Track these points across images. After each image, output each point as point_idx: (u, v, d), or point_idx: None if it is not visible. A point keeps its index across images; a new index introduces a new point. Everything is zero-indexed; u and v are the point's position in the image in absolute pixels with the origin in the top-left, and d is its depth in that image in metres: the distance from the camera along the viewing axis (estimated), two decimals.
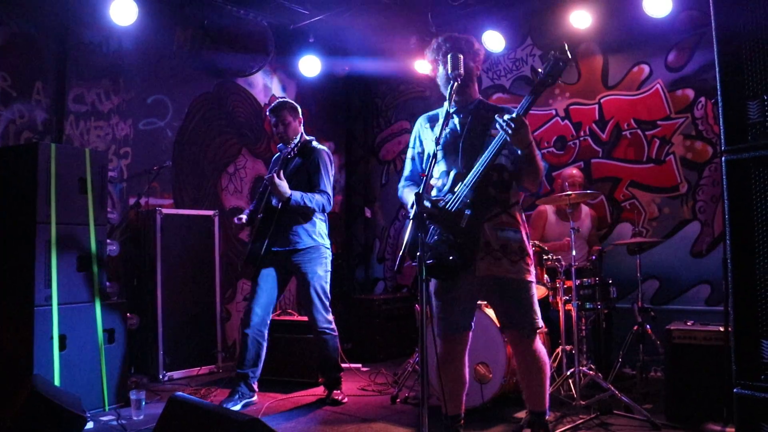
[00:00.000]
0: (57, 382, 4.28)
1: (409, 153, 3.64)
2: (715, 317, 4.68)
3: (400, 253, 2.88)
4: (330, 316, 4.85)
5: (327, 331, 4.81)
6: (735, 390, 2.24)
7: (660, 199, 5.89)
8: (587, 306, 4.78)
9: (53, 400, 3.48)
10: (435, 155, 2.88)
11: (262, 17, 6.69)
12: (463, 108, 3.38)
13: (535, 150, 3.13)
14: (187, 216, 6.09)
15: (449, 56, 3.12)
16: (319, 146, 4.88)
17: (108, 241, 4.95)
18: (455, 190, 3.19)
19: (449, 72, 3.09)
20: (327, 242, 4.91)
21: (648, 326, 4.93)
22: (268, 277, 4.77)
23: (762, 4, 2.23)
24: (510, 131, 2.97)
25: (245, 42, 6.69)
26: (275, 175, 4.50)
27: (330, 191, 4.79)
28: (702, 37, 5.64)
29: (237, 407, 4.57)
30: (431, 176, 3.02)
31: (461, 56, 3.13)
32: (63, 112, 5.55)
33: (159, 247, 5.73)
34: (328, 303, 4.85)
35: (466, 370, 3.40)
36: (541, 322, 3.27)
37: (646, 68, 6.02)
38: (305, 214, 4.73)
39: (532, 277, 3.26)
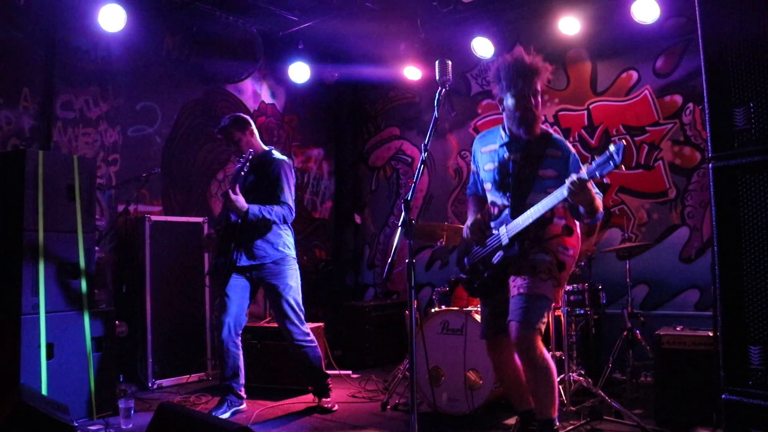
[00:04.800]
0: (44, 391, 4.24)
1: (472, 167, 3.75)
2: (704, 322, 4.70)
3: (389, 260, 2.89)
4: (305, 328, 4.76)
5: (304, 343, 4.73)
6: (723, 396, 2.25)
7: (649, 205, 5.91)
8: (577, 312, 4.81)
9: (40, 410, 3.45)
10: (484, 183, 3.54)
11: (251, 24, 6.69)
12: (515, 140, 3.41)
13: (596, 203, 3.13)
14: (176, 223, 6.05)
15: (436, 62, 3.13)
16: (279, 156, 4.79)
17: (96, 248, 4.92)
18: (499, 230, 3.38)
19: (436, 78, 3.11)
20: (293, 253, 4.82)
21: (637, 331, 4.94)
22: (236, 287, 4.66)
23: (748, 11, 2.24)
24: (574, 192, 2.98)
25: (234, 48, 6.69)
26: (230, 191, 4.40)
27: (291, 202, 4.67)
28: (690, 43, 5.68)
29: (226, 415, 4.54)
30: (417, 183, 3.03)
31: (449, 62, 3.14)
32: (51, 118, 5.52)
33: (148, 254, 5.70)
34: (302, 315, 4.77)
35: (520, 371, 3.40)
36: (535, 325, 3.20)
37: (634, 74, 6.06)
38: (267, 226, 4.64)
39: (549, 294, 3.29)
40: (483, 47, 6.51)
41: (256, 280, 4.72)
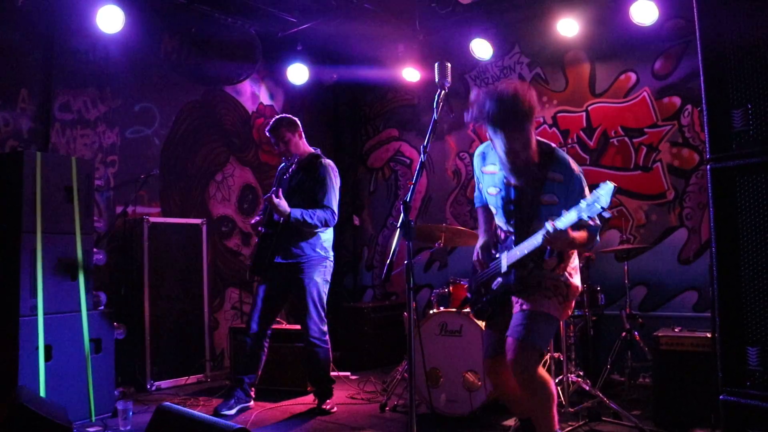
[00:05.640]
0: (42, 393, 4.24)
1: (475, 178, 3.54)
2: (702, 323, 4.71)
3: (388, 262, 2.88)
4: (324, 327, 4.81)
5: (318, 342, 4.76)
6: (721, 396, 2.25)
7: (647, 206, 5.91)
8: (575, 313, 4.80)
9: (38, 412, 3.44)
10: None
11: (249, 25, 6.68)
12: (514, 166, 3.15)
13: (577, 242, 2.96)
14: (174, 224, 6.06)
15: (435, 64, 3.12)
16: (326, 160, 4.88)
17: (95, 250, 4.92)
18: (501, 256, 3.25)
19: (435, 79, 3.10)
20: (330, 254, 4.90)
21: (636, 333, 4.95)
22: (271, 289, 4.78)
23: (746, 13, 2.24)
24: (549, 241, 2.88)
25: (233, 50, 6.68)
26: (273, 195, 4.51)
27: (335, 207, 4.77)
28: (688, 45, 5.68)
29: (233, 411, 4.61)
30: (416, 184, 3.01)
31: (448, 64, 3.14)
32: (49, 120, 5.51)
33: (146, 255, 5.70)
34: (323, 313, 4.82)
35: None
36: (536, 345, 3.05)
37: (633, 76, 6.06)
38: (307, 228, 4.71)
39: (555, 312, 3.14)
40: (482, 49, 6.52)
41: (289, 282, 4.79)
